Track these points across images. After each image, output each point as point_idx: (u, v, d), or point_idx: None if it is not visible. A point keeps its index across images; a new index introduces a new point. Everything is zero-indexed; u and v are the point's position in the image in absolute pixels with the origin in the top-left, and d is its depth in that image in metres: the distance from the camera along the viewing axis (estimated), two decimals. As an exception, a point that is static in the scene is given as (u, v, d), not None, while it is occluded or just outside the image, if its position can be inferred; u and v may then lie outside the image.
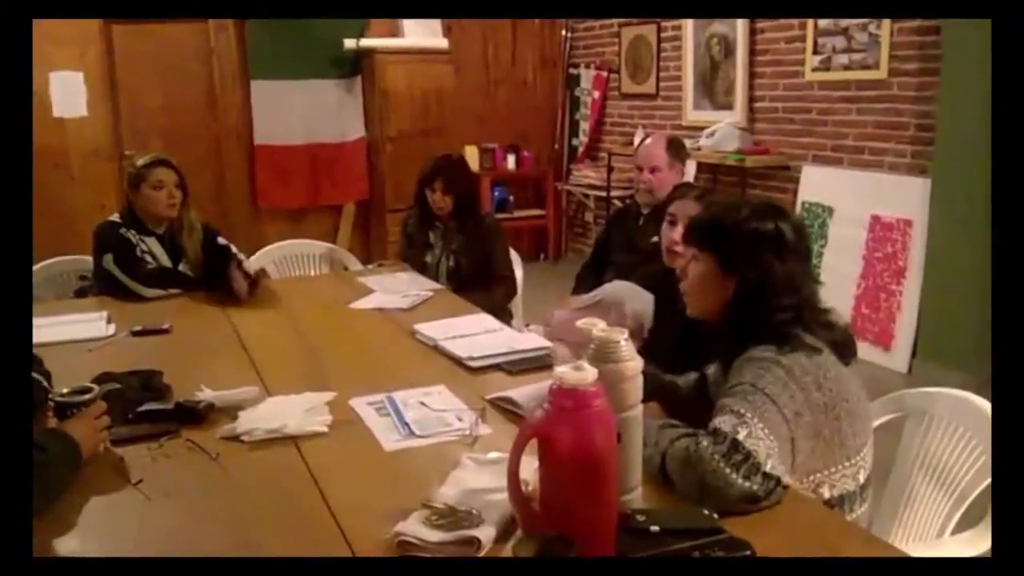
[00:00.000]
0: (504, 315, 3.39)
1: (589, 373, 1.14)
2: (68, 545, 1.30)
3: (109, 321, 2.54)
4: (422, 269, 3.38)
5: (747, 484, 1.30)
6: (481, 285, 3.31)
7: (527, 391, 1.83)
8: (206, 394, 1.83)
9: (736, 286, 1.57)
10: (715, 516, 1.24)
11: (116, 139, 5.83)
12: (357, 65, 6.26)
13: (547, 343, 2.22)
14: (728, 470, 1.30)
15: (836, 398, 1.47)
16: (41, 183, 5.63)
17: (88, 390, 1.63)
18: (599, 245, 3.55)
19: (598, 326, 1.35)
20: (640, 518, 1.22)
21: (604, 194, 6.30)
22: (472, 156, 6.55)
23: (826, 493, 1.50)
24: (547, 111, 7.11)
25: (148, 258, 2.93)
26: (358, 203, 6.53)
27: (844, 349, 1.55)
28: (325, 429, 1.71)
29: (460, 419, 1.75)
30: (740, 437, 1.33)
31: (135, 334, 2.43)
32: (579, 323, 1.40)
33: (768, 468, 1.33)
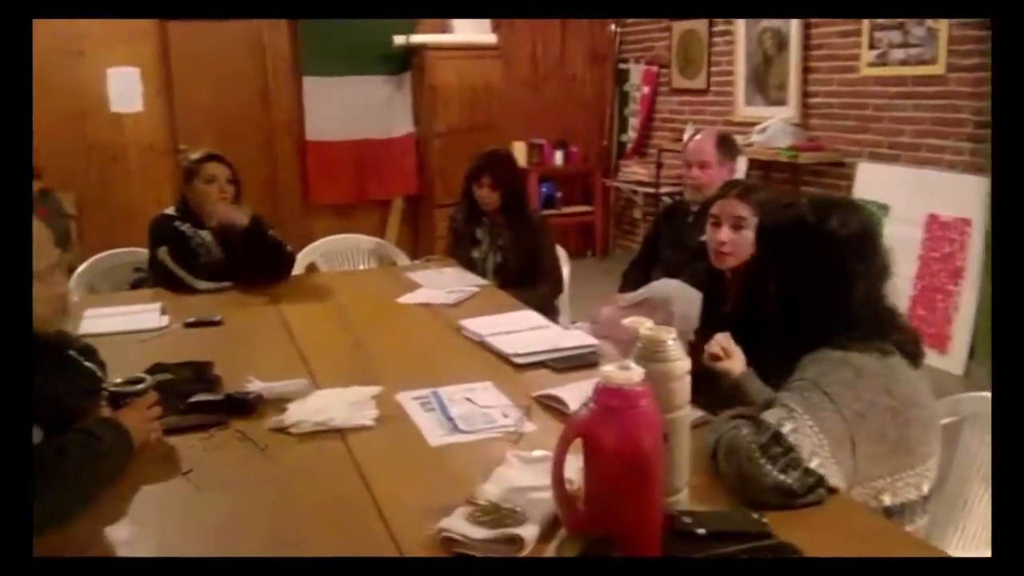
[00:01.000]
0: (550, 312, 3.37)
1: (635, 372, 1.13)
2: (119, 534, 1.33)
3: (163, 313, 2.59)
4: (469, 265, 3.39)
5: (782, 477, 1.28)
6: (528, 281, 3.30)
7: (573, 389, 1.82)
8: (255, 386, 1.85)
9: (797, 286, 1.52)
10: (764, 520, 1.22)
11: (171, 134, 5.95)
12: (406, 61, 6.30)
13: (594, 341, 2.21)
14: (763, 460, 1.28)
15: (906, 403, 1.43)
16: (99, 177, 5.81)
17: (140, 380, 1.67)
18: (647, 242, 3.51)
19: (645, 325, 1.33)
20: (687, 520, 1.21)
21: (653, 191, 6.24)
22: (520, 152, 6.54)
23: (887, 500, 1.45)
24: (596, 107, 7.07)
25: (202, 251, 2.98)
26: (406, 198, 6.57)
27: (913, 351, 1.50)
28: (372, 423, 1.72)
29: (505, 416, 1.75)
30: (784, 430, 1.31)
31: (188, 326, 2.48)
32: (625, 321, 1.39)
33: (812, 465, 1.30)
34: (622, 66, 6.94)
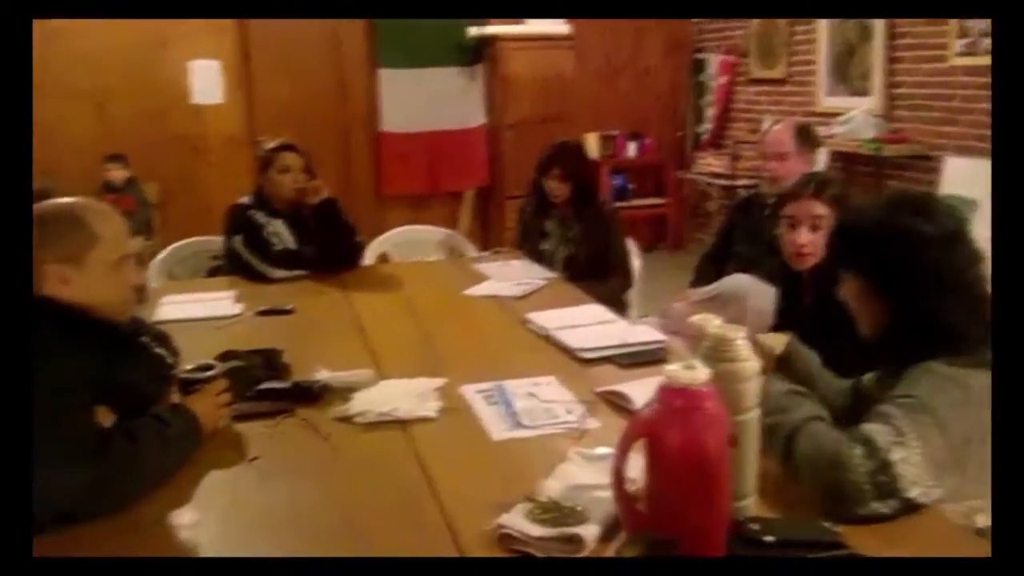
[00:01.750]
0: (619, 306, 3.32)
1: (701, 372, 1.09)
2: (183, 518, 1.35)
3: (238, 300, 2.65)
4: (538, 257, 3.36)
5: (879, 506, 1.22)
6: (597, 275, 3.26)
7: (638, 386, 1.78)
8: (322, 375, 1.87)
9: (893, 297, 1.42)
10: (837, 530, 1.17)
11: (249, 125, 6.08)
12: (480, 52, 6.31)
13: (662, 337, 2.16)
14: (868, 488, 1.21)
15: None
16: (180, 167, 5.98)
17: (211, 367, 1.70)
18: (721, 236, 3.43)
19: (713, 323, 1.29)
20: (754, 527, 1.16)
21: (728, 183, 6.10)
22: (592, 143, 6.48)
23: (981, 522, 1.36)
24: (670, 97, 6.95)
25: (275, 240, 3.03)
26: (477, 190, 6.58)
27: None
28: (434, 415, 1.72)
29: (569, 412, 1.72)
30: (893, 458, 1.22)
31: (261, 314, 2.52)
32: (693, 319, 1.34)
33: (912, 494, 1.23)
34: (698, 56, 6.80)
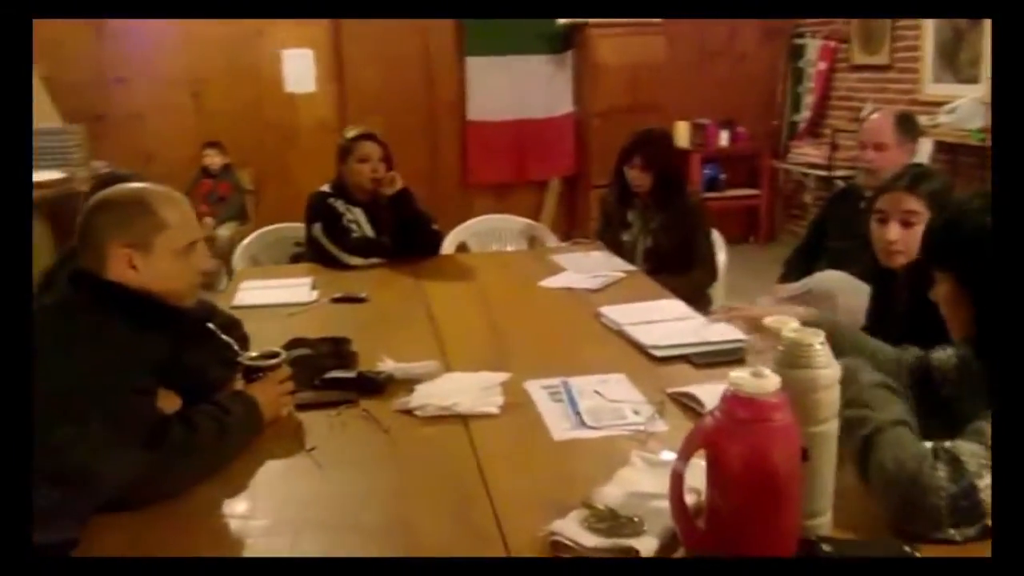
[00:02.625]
0: (702, 301, 3.21)
1: (770, 380, 1.00)
2: (236, 507, 1.34)
3: (313, 287, 2.66)
4: (619, 248, 3.27)
5: (954, 533, 1.10)
6: (680, 267, 3.15)
7: (712, 388, 1.69)
8: (387, 365, 1.85)
9: (987, 305, 1.28)
10: (917, 554, 1.06)
11: (340, 114, 6.16)
12: (569, 40, 6.22)
13: (742, 335, 2.05)
14: (947, 513, 1.10)
15: None
16: (272, 154, 6.12)
17: (275, 355, 1.69)
18: (814, 229, 3.26)
19: (789, 324, 1.19)
20: (826, 548, 1.07)
21: (825, 174, 5.84)
22: (683, 132, 6.32)
23: None
24: (766, 85, 6.69)
25: (354, 227, 3.04)
26: (564, 179, 6.51)
27: None
28: (496, 411, 1.67)
29: (636, 412, 1.64)
30: (981, 484, 1.11)
31: (335, 301, 2.53)
32: (767, 321, 1.25)
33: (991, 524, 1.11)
34: (797, 41, 6.52)
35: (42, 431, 1.36)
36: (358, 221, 3.05)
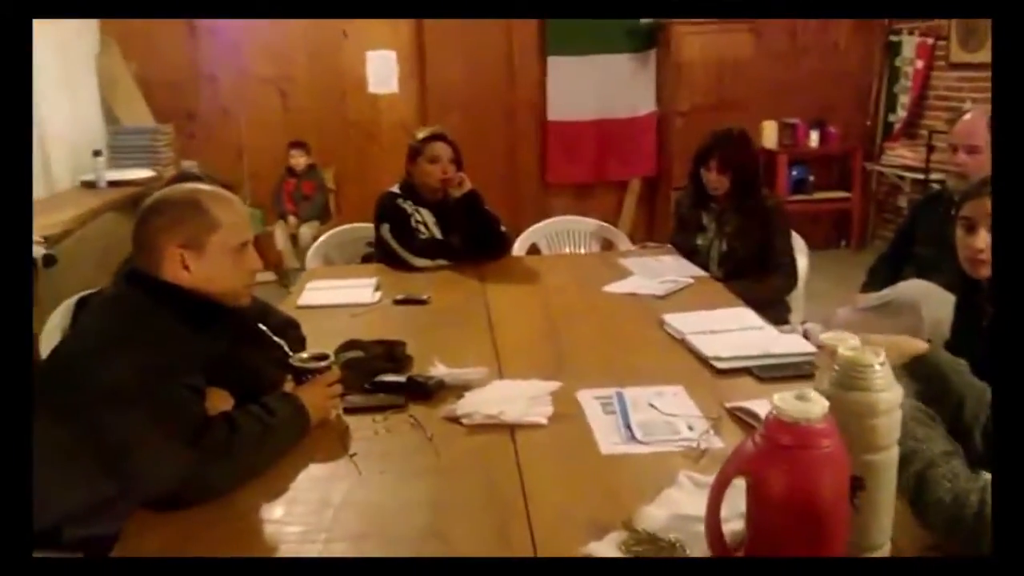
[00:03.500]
0: (780, 309, 3.08)
1: (816, 404, 0.92)
2: (273, 512, 1.34)
3: (377, 288, 2.66)
4: (692, 253, 3.17)
5: None
6: (756, 273, 3.03)
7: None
8: (439, 370, 1.82)
9: None
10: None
11: (421, 113, 6.20)
12: (652, 37, 6.10)
13: (811, 348, 1.94)
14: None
15: None
16: (355, 153, 6.21)
17: (325, 357, 1.69)
18: (900, 235, 3.09)
19: (847, 342, 1.10)
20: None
21: (921, 177, 5.56)
22: (770, 131, 6.11)
23: None
24: (860, 83, 6.40)
25: (421, 229, 3.03)
26: (644, 179, 6.39)
27: None
28: (544, 421, 1.62)
29: (690, 427, 1.57)
30: None
31: (397, 303, 2.52)
32: (823, 337, 1.16)
33: None
34: (893, 38, 6.22)
35: (89, 423, 1.39)
36: (426, 222, 3.04)
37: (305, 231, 5.49)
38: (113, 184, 4.79)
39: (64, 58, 4.98)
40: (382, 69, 6.14)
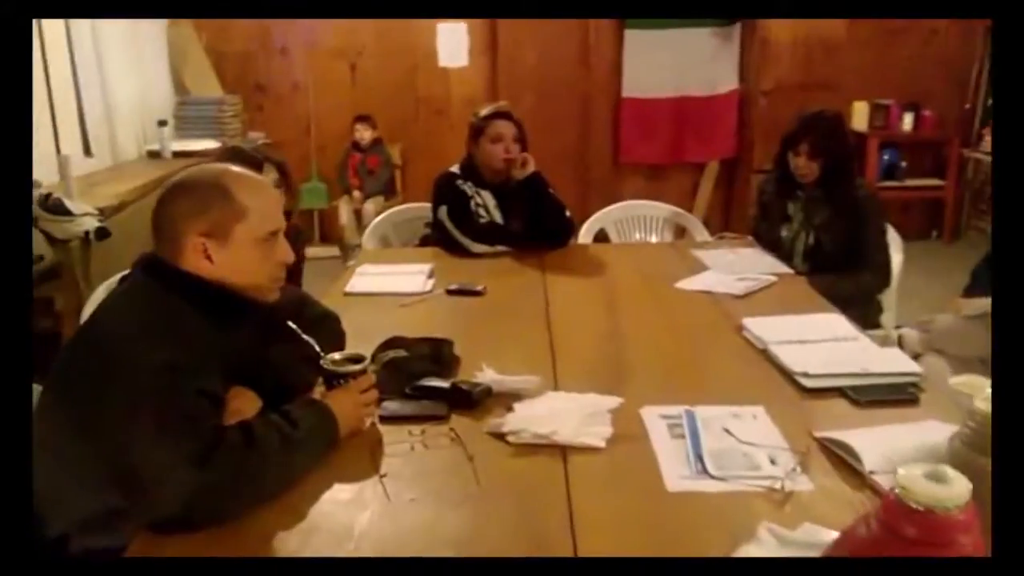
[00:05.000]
0: (871, 308, 2.81)
1: (955, 488, 0.70)
2: (289, 542, 1.17)
3: (430, 276, 2.49)
4: (775, 245, 2.91)
5: None
6: (845, 269, 2.76)
7: (873, 436, 1.36)
8: (486, 375, 1.64)
9: None
10: None
11: (492, 89, 6.00)
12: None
13: (917, 368, 1.68)
14: None
15: None
16: (424, 129, 6.05)
17: (360, 359, 1.52)
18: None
19: (984, 390, 0.87)
20: None
21: None
22: (861, 113, 5.72)
23: None
24: (959, 65, 5.91)
25: (481, 212, 2.85)
26: (723, 161, 6.07)
27: None
28: (602, 444, 1.42)
29: (773, 461, 1.34)
30: None
31: (450, 293, 2.34)
32: (954, 381, 0.93)
33: None
34: (1002, 14, 5.73)
35: (97, 431, 1.25)
36: (486, 205, 2.86)
37: (369, 207, 5.37)
38: (178, 155, 4.75)
39: (134, 28, 4.94)
40: (453, 42, 5.96)
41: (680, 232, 3.55)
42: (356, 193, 5.56)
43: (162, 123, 4.84)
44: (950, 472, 0.72)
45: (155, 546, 1.16)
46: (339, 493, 1.30)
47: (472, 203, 2.84)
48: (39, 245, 2.98)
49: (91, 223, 3.11)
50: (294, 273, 2.55)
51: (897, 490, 0.71)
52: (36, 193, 3.07)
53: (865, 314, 2.71)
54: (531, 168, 2.78)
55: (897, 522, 0.71)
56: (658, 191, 5.96)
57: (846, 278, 2.72)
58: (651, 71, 5.91)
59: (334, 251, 5.57)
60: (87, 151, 4.48)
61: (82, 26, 4.36)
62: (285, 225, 1.49)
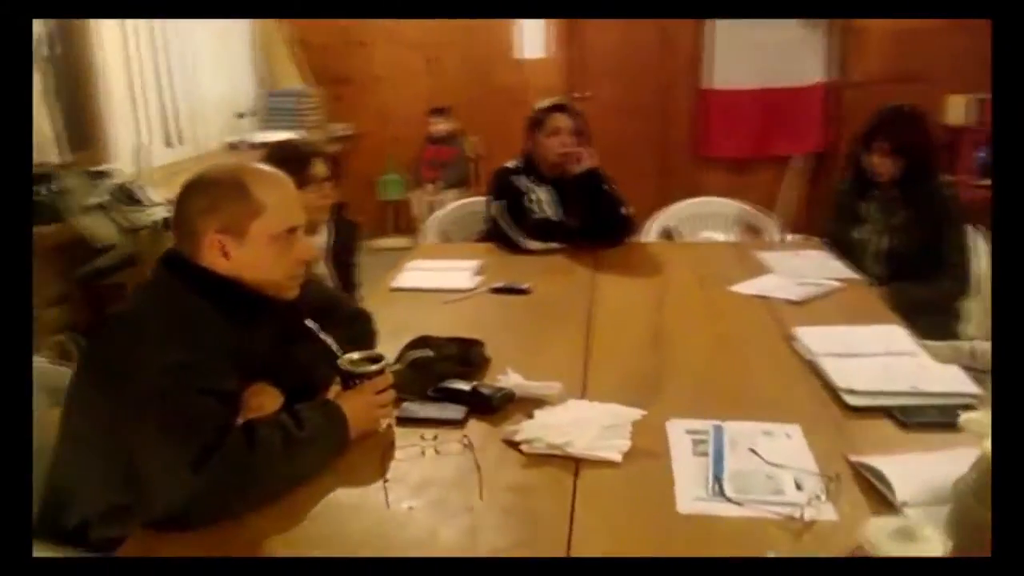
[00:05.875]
0: (949, 317, 2.63)
1: (928, 543, 0.61)
2: (275, 547, 1.15)
3: (477, 273, 2.45)
4: (848, 247, 2.76)
5: None
6: (922, 275, 2.59)
7: (911, 464, 1.25)
8: (509, 379, 1.59)
9: None
10: None
11: (568, 80, 5.93)
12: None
13: (973, 389, 1.55)
14: None
15: None
16: (500, 120, 5.99)
17: (378, 359, 1.49)
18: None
19: (1006, 429, 0.77)
20: None
21: None
22: (957, 107, 5.38)
23: None
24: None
25: (536, 208, 2.79)
26: (808, 156, 5.82)
27: None
28: (618, 457, 1.35)
29: (799, 486, 1.25)
30: None
31: (494, 291, 2.30)
32: (963, 419, 0.83)
33: None
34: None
35: (108, 426, 1.27)
36: (542, 200, 2.80)
37: (442, 198, 5.38)
38: (256, 146, 4.86)
39: (221, 23, 5.07)
40: (530, 33, 5.90)
41: (752, 232, 3.41)
42: (430, 185, 5.58)
43: (241, 115, 4.96)
44: (925, 529, 0.63)
45: (148, 547, 1.16)
46: (341, 496, 1.28)
47: (527, 198, 2.79)
48: (112, 234, 3.09)
49: (161, 213, 3.20)
50: (348, 267, 2.56)
51: (866, 545, 0.63)
52: (110, 183, 3.19)
53: (941, 325, 2.54)
54: (588, 163, 2.71)
55: (867, 581, 0.63)
56: (740, 186, 5.78)
57: (923, 285, 2.56)
58: (735, 61, 5.73)
59: (405, 242, 5.61)
60: (169, 142, 4.63)
61: (167, 21, 4.50)
62: (304, 221, 1.47)
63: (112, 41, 3.99)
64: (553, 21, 5.82)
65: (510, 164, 2.90)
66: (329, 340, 1.52)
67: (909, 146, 2.64)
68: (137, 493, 1.21)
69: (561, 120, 2.77)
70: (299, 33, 5.80)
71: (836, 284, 2.29)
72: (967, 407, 1.49)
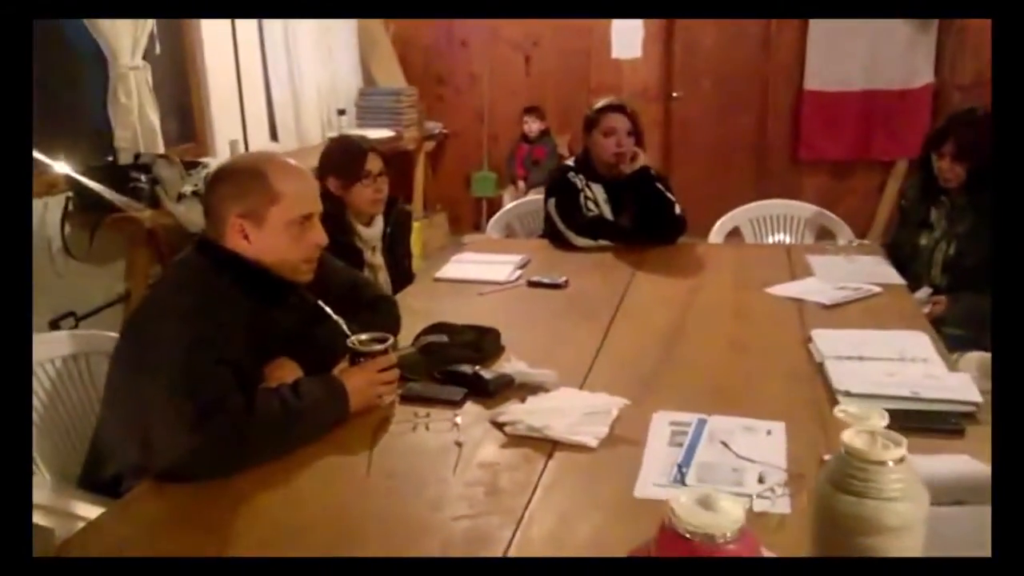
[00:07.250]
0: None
1: (726, 514, 0.66)
2: (265, 503, 1.27)
3: (522, 266, 2.53)
4: (913, 254, 2.69)
5: None
6: (984, 284, 2.49)
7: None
8: (512, 366, 1.67)
9: None
10: None
11: (666, 80, 5.89)
12: (938, -3, 5.25)
13: (975, 397, 1.51)
14: None
15: None
16: (596, 120, 6.05)
17: (385, 340, 1.60)
18: None
19: (870, 420, 0.80)
20: None
21: None
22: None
23: None
24: None
25: (590, 205, 2.84)
26: (912, 161, 5.58)
27: None
28: (593, 443, 1.41)
29: (762, 480, 1.28)
30: None
31: (530, 284, 2.38)
32: (839, 411, 0.86)
33: None
34: None
35: (131, 385, 1.43)
36: (596, 199, 2.85)
37: (533, 196, 5.47)
38: (352, 142, 5.08)
39: (326, 22, 5.31)
40: (627, 33, 5.90)
41: (825, 235, 3.34)
42: (520, 184, 5.69)
43: (341, 112, 5.20)
44: (727, 500, 0.67)
45: (154, 494, 1.30)
46: (329, 463, 1.39)
47: (581, 196, 2.84)
48: (200, 223, 3.33)
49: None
50: (402, 258, 2.68)
51: (668, 514, 0.68)
52: (205, 172, 3.43)
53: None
54: (639, 163, 2.74)
55: (668, 549, 0.67)
56: (843, 189, 5.63)
57: (982, 295, 2.46)
58: (838, 61, 5.54)
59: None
60: (275, 136, 4.91)
61: (274, 21, 4.77)
62: (320, 209, 1.60)
63: (219, 37, 4.28)
64: (650, 21, 5.81)
65: (568, 162, 2.97)
66: (340, 320, 1.64)
67: (976, 151, 2.54)
68: (147, 448, 1.36)
69: (616, 120, 2.81)
70: (403, 31, 6.01)
71: (875, 289, 2.24)
72: (965, 415, 1.47)
